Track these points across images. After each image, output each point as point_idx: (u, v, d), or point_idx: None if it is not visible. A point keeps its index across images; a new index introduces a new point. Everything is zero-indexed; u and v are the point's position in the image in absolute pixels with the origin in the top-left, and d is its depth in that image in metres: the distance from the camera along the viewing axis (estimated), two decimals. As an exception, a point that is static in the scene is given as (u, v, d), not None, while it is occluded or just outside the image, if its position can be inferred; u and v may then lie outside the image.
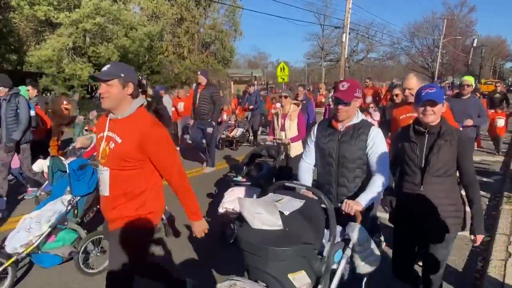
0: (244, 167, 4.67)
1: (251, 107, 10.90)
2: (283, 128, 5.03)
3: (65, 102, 7.09)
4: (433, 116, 2.26)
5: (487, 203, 5.45)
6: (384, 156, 2.42)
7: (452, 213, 2.35)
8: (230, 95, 20.71)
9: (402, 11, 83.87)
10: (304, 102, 7.46)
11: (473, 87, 5.23)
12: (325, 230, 2.05)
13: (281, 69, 15.63)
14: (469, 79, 5.25)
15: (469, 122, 4.98)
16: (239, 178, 4.38)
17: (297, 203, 1.99)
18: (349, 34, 21.78)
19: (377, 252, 2.08)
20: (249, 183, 4.22)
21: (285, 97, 5.08)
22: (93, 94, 19.12)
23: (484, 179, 6.54)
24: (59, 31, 16.05)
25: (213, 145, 7.37)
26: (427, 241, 2.45)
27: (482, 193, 5.68)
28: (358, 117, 2.51)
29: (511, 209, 4.77)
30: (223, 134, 10.10)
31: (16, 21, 16.64)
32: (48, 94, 16.15)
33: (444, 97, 6.41)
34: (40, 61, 15.38)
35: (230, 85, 24.12)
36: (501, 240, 3.84)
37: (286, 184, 2.29)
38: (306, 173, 2.68)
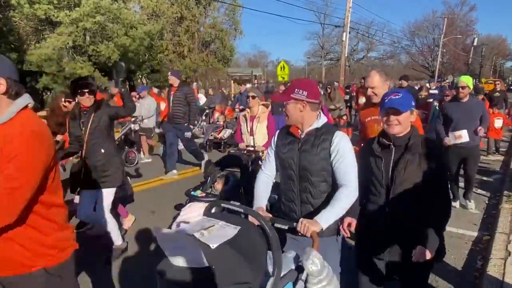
0: (209, 178, 4.03)
1: (241, 107, 10.04)
2: (251, 132, 4.54)
3: (63, 99, 7.11)
4: (398, 126, 1.95)
5: (487, 202, 5.46)
6: (350, 165, 2.08)
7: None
8: (230, 94, 20.69)
9: (402, 10, 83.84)
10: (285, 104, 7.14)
11: (470, 88, 4.70)
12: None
13: (281, 68, 15.62)
14: (465, 80, 4.67)
15: (482, 130, 4.69)
16: (198, 193, 3.77)
17: (230, 231, 1.60)
18: (350, 33, 21.76)
19: (336, 282, 1.77)
20: (210, 199, 3.57)
21: (253, 97, 4.55)
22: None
23: (484, 178, 6.55)
24: (59, 30, 16.05)
25: (194, 148, 6.93)
26: (397, 270, 2.15)
27: (482, 192, 5.74)
28: (319, 120, 2.16)
29: (511, 208, 4.77)
30: (211, 135, 9.49)
31: (16, 19, 16.61)
32: (49, 93, 16.16)
33: (445, 98, 5.78)
34: (40, 60, 15.37)
35: (230, 84, 24.10)
36: (500, 239, 3.85)
37: (222, 205, 1.95)
38: (262, 186, 2.34)
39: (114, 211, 3.95)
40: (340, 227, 2.15)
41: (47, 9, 15.50)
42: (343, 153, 2.07)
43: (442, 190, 2.00)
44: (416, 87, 11.29)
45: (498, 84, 11.29)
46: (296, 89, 2.08)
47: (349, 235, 2.17)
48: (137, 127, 8.03)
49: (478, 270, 3.47)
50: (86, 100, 3.42)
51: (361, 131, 3.31)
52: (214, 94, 14.23)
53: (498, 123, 8.70)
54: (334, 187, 2.13)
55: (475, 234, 4.31)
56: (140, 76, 21.87)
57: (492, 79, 38.52)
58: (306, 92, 2.07)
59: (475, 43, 42.78)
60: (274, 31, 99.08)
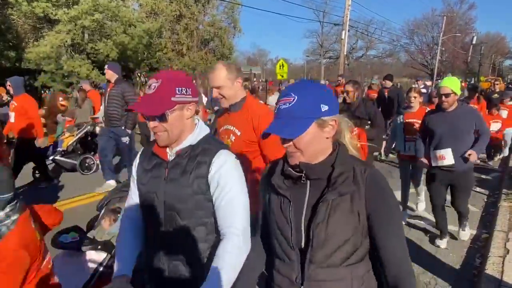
0: (102, 211, 2.75)
1: (215, 108, 8.56)
2: None
3: (60, 99, 7.11)
4: (299, 154, 1.15)
5: (486, 200, 5.47)
6: (238, 201, 1.40)
7: None
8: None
9: (401, 8, 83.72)
10: None
11: (457, 95, 3.43)
12: None
13: (280, 66, 15.57)
14: (449, 85, 3.37)
15: (473, 156, 3.35)
16: (71, 236, 2.46)
17: None
18: (349, 31, 21.75)
19: None
20: (83, 247, 2.37)
21: None
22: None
23: (483, 176, 6.55)
24: (58, 28, 16.02)
25: (128, 159, 5.75)
26: None
27: (480, 190, 5.74)
28: (196, 132, 1.46)
29: (509, 206, 4.78)
30: None
31: (14, 17, 16.57)
32: (47, 91, 16.13)
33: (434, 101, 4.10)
34: (39, 58, 15.37)
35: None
36: (499, 237, 3.86)
37: None
38: (127, 238, 1.54)
39: None
40: None
41: (45, 7, 15.47)
42: (227, 183, 1.39)
43: (395, 250, 1.15)
44: (415, 86, 10.48)
45: (498, 84, 10.20)
46: (177, 88, 1.35)
47: None
48: (97, 130, 6.87)
49: (476, 268, 3.48)
50: None
51: None
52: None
53: (495, 126, 7.41)
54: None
55: (474, 232, 4.31)
56: (139, 74, 21.83)
57: (491, 77, 38.59)
58: (190, 89, 1.40)
59: (474, 41, 42.77)
60: (273, 29, 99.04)
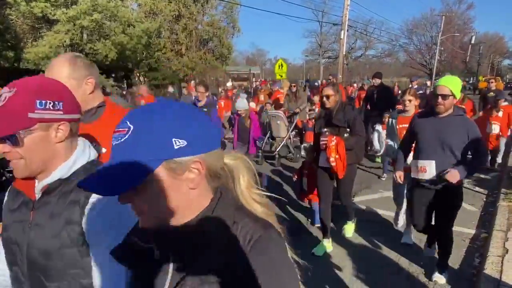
0: None
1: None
2: None
3: None
4: (144, 218, 0.72)
5: (485, 199, 5.48)
6: (101, 268, 1.05)
7: None
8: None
9: (400, 8, 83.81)
10: (207, 109, 5.45)
11: (456, 98, 2.90)
12: None
13: (279, 66, 15.55)
14: (448, 84, 2.84)
15: (452, 176, 2.75)
16: None
17: None
18: (348, 31, 21.77)
19: None
20: None
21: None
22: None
23: (482, 176, 6.55)
24: (56, 28, 16.01)
25: None
26: None
27: (479, 189, 5.74)
28: (71, 162, 1.08)
29: (508, 205, 4.78)
30: None
31: (13, 17, 16.54)
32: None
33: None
34: (38, 58, 15.35)
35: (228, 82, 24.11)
36: (498, 237, 3.86)
37: None
38: None
39: None
40: None
41: (44, 7, 15.46)
42: (97, 235, 1.04)
43: None
44: (411, 86, 10.01)
45: (493, 82, 9.79)
46: (38, 101, 0.98)
47: None
48: None
49: (475, 268, 3.48)
50: None
51: None
52: (188, 94, 12.99)
53: (493, 128, 7.04)
54: None
55: (473, 231, 4.32)
56: (138, 75, 21.82)
57: (490, 77, 38.66)
58: (62, 103, 1.03)
59: (472, 41, 42.98)
60: (272, 29, 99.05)
